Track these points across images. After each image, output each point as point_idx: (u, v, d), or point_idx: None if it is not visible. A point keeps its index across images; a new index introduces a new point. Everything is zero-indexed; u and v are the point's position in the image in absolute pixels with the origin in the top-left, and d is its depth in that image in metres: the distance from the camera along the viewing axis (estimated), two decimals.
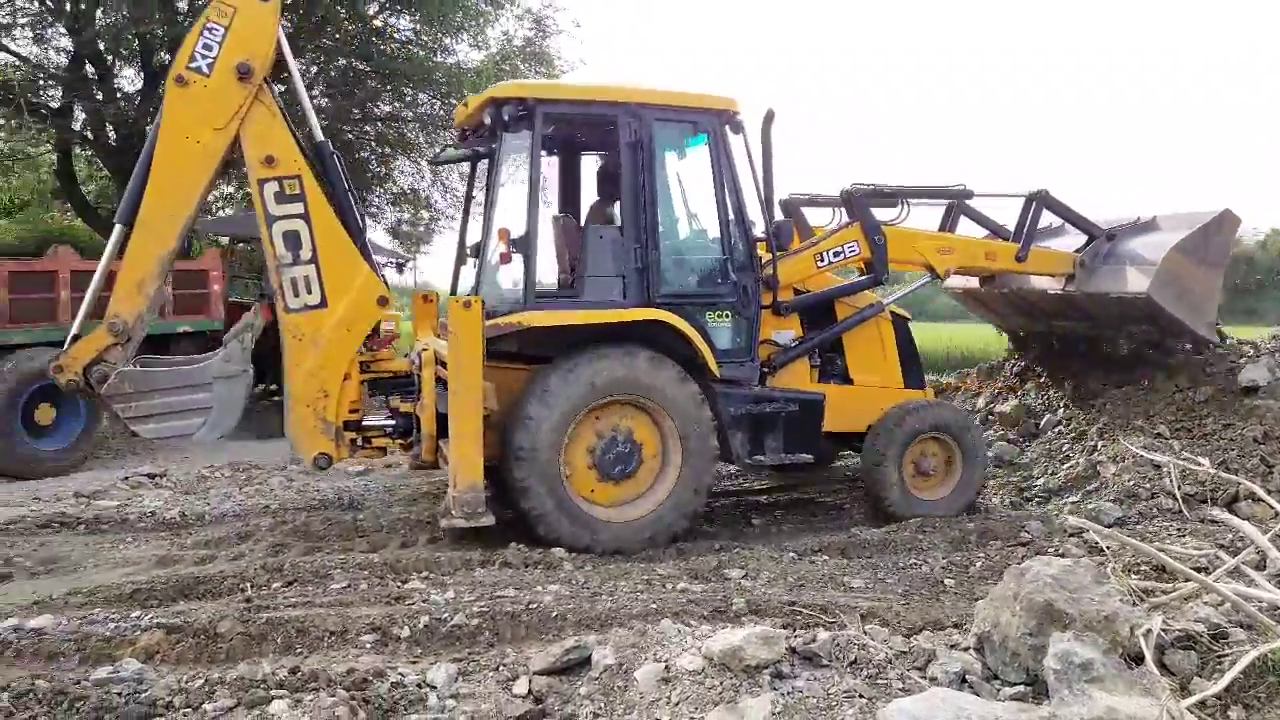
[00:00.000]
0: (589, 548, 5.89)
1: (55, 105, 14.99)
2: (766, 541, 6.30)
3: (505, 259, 6.18)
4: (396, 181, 19.54)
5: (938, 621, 4.42)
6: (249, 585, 4.89)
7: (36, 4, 14.10)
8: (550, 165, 7.58)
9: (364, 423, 6.24)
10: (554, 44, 17.65)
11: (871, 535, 6.24)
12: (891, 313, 7.48)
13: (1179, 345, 8.24)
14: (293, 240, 6.00)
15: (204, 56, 5.88)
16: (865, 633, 3.81)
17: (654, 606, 4.65)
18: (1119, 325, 8.34)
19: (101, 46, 14.18)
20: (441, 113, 16.62)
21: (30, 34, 14.38)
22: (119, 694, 3.37)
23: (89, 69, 14.50)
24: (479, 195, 7.28)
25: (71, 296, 9.10)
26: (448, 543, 5.98)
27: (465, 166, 7.76)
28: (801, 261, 7.22)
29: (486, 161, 6.91)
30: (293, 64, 6.42)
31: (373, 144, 18.31)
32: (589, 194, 7.47)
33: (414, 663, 3.89)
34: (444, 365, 5.86)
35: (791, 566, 5.51)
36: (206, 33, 5.89)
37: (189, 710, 3.33)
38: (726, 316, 6.60)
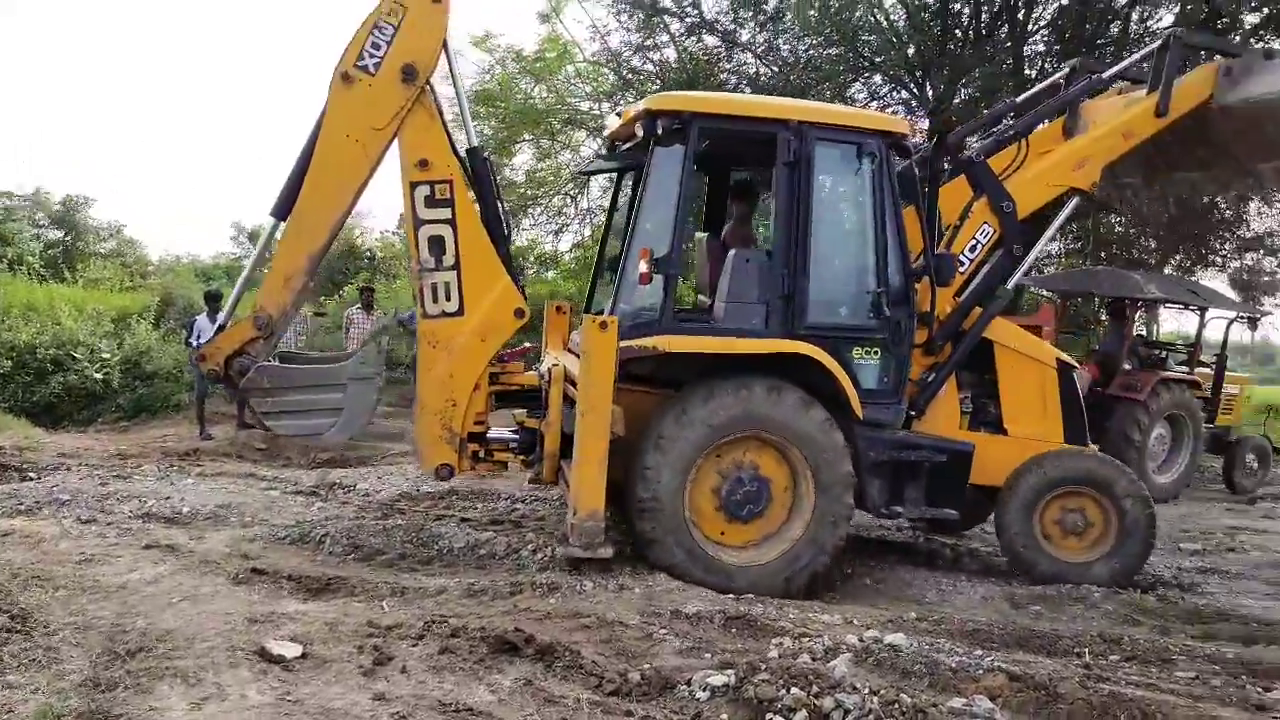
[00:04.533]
0: (727, 593, 5.59)
1: None
2: None
3: (645, 279, 5.88)
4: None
5: None
6: (1086, 652, 4.74)
7: (904, 93, 16.39)
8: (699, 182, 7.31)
9: (488, 435, 6.17)
10: None
11: None
12: (1058, 360, 6.79)
13: None
14: (437, 246, 5.94)
15: (371, 55, 5.79)
16: None
17: None
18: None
19: (955, 119, 15.72)
20: None
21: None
22: None
23: None
24: (622, 209, 7.03)
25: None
26: None
27: (607, 179, 7.74)
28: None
29: (632, 175, 6.71)
30: (455, 67, 6.28)
31: None
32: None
33: None
34: (573, 384, 5.68)
35: None
36: (376, 31, 5.78)
37: None
38: (875, 354, 6.10)
